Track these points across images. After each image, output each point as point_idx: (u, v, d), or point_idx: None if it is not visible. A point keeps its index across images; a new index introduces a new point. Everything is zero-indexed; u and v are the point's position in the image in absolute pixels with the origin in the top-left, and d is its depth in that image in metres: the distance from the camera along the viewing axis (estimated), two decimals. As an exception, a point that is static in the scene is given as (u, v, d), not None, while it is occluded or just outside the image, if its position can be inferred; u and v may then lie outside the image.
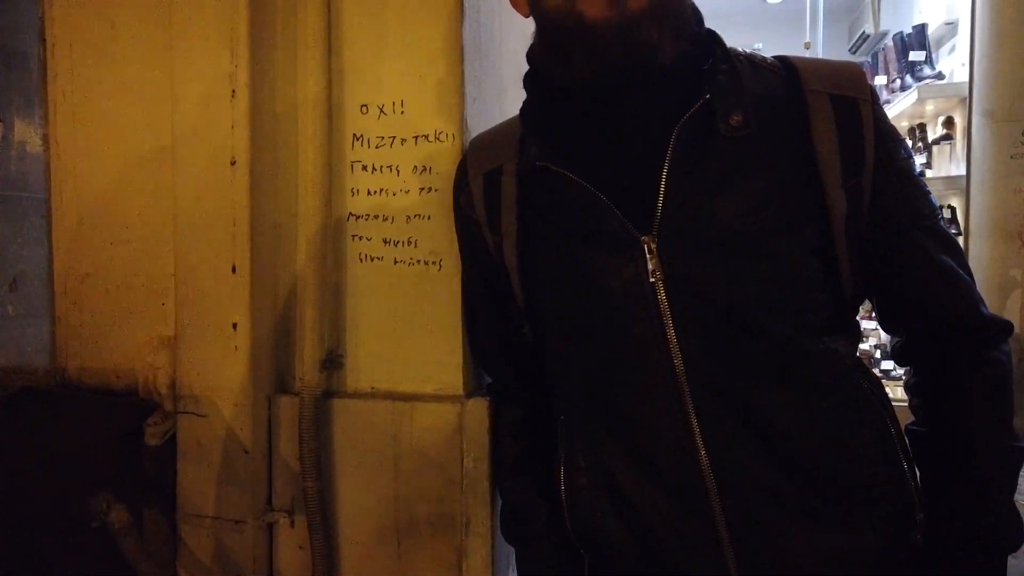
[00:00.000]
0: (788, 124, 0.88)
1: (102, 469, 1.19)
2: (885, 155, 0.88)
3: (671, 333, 0.86)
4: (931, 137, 4.86)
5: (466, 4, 1.19)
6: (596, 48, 0.84)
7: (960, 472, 0.90)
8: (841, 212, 0.87)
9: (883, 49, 5.22)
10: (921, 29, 4.77)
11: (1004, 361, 0.92)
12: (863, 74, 0.92)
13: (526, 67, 0.98)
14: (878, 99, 0.91)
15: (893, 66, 5.02)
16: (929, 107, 4.75)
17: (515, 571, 1.12)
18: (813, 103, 0.88)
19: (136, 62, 1.30)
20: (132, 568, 1.13)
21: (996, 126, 3.96)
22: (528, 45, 0.97)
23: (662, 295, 0.86)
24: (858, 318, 0.98)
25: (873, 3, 5.95)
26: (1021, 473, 0.93)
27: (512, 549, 1.12)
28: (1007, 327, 0.92)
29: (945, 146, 4.73)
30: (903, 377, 1.02)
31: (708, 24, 0.94)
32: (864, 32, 6.08)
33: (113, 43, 1.31)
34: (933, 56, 4.82)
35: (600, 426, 0.96)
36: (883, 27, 5.89)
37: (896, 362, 1.02)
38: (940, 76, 4.68)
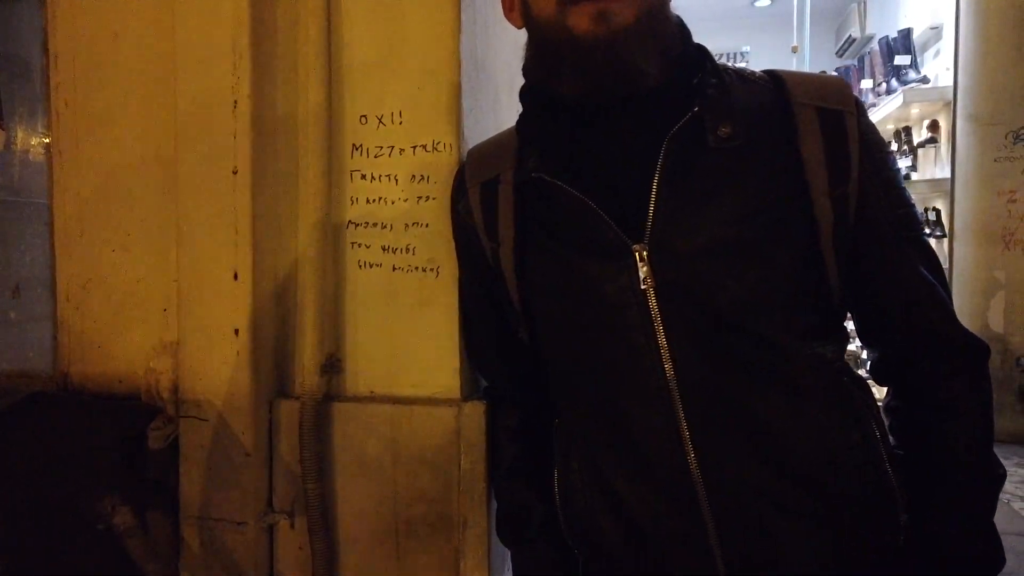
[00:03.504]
0: (776, 135, 0.91)
1: (107, 473, 1.20)
2: (871, 166, 0.91)
3: (662, 339, 0.88)
4: (916, 140, 4.91)
5: (464, 17, 1.22)
6: (582, 63, 0.86)
7: (940, 497, 0.92)
8: (828, 221, 0.89)
9: (869, 53, 5.28)
10: (907, 33, 4.83)
11: (986, 387, 0.94)
12: (849, 87, 0.94)
13: (519, 76, 1.00)
14: (865, 111, 0.94)
15: (879, 70, 5.07)
16: (914, 110, 4.81)
17: (511, 571, 1.15)
18: (800, 115, 0.91)
19: (138, 72, 1.32)
20: (138, 569, 1.15)
21: (980, 129, 4.01)
22: (520, 55, 0.99)
23: (653, 302, 0.88)
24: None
25: (859, 7, 6.01)
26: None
27: (508, 549, 1.15)
28: (987, 350, 0.94)
29: (930, 149, 4.79)
30: (883, 398, 1.02)
31: (697, 27, 0.96)
32: (850, 36, 6.14)
33: (115, 53, 1.33)
34: (918, 60, 4.88)
35: (594, 428, 0.98)
36: (869, 31, 5.96)
37: (875, 380, 1.03)
38: (925, 80, 4.74)
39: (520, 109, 1.02)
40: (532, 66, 0.97)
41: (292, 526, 1.27)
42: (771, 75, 0.96)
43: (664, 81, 0.90)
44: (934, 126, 4.68)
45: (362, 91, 1.26)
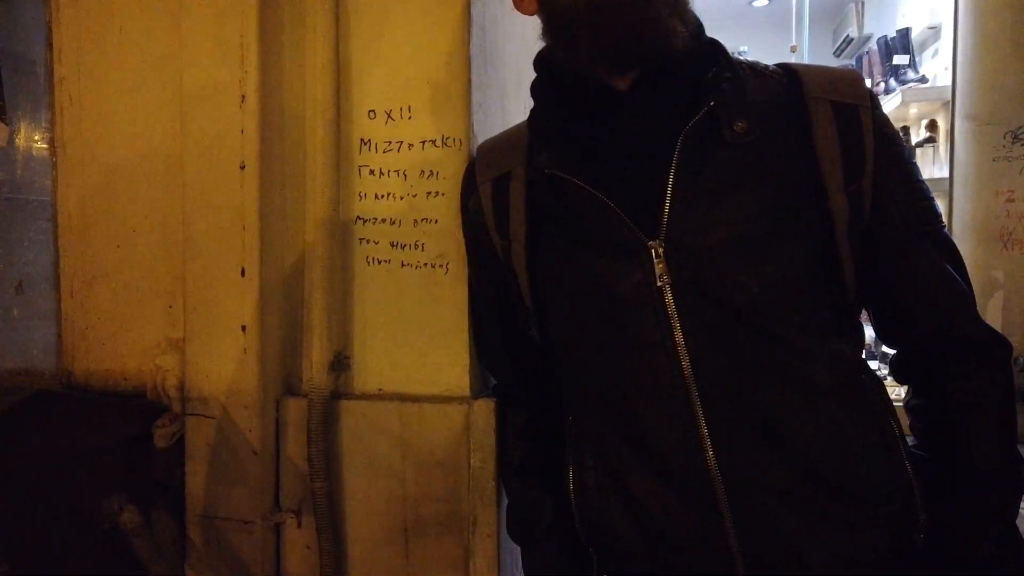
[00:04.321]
0: (790, 130, 0.90)
1: (113, 471, 1.19)
2: (886, 160, 0.90)
3: (679, 336, 0.87)
4: (914, 140, 4.91)
5: (473, 11, 1.21)
6: (603, 26, 0.84)
7: (955, 497, 0.91)
8: (843, 216, 0.88)
9: (867, 53, 5.27)
10: (905, 33, 4.82)
11: (1006, 385, 0.92)
12: (863, 80, 0.94)
13: (527, 71, 0.99)
14: (879, 104, 0.93)
15: (877, 69, 5.07)
16: (913, 110, 4.80)
17: (521, 570, 1.14)
18: (814, 109, 0.90)
19: (144, 66, 1.31)
20: (143, 569, 1.14)
21: (978, 129, 4.01)
22: (528, 50, 0.98)
23: (669, 299, 0.87)
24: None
25: (857, 7, 6.01)
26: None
27: (518, 548, 1.14)
28: (1008, 347, 0.92)
29: (928, 149, 4.78)
30: (904, 396, 1.02)
31: None
32: (848, 36, 6.13)
33: (121, 47, 1.32)
34: (916, 60, 4.87)
35: (608, 426, 0.97)
36: (867, 31, 5.95)
37: (896, 378, 1.02)
38: (923, 80, 4.73)
39: (530, 104, 1.01)
40: (548, 45, 0.94)
41: (299, 525, 1.26)
42: (784, 68, 0.96)
43: (687, 52, 0.87)
44: (932, 126, 4.68)
45: (370, 86, 1.25)
